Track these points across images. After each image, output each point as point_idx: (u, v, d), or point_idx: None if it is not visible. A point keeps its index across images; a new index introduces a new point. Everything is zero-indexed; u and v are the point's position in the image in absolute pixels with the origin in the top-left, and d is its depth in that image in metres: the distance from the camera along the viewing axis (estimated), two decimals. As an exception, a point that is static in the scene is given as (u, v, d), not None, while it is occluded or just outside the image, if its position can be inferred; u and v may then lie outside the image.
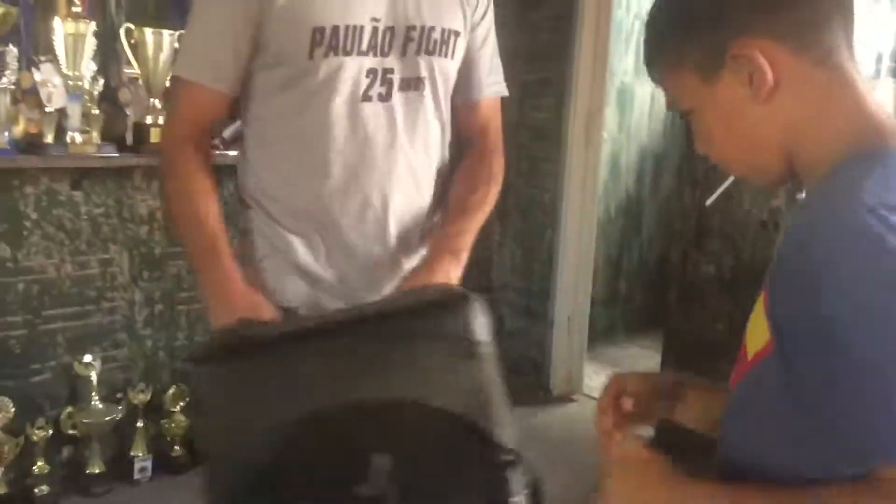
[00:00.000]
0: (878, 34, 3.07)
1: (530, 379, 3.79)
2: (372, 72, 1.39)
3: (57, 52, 2.28)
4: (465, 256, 1.46)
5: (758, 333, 0.82)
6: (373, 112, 1.41)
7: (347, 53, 1.36)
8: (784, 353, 0.77)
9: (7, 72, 2.15)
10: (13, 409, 2.44)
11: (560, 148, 3.63)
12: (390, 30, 1.39)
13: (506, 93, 1.61)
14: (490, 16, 1.55)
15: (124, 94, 2.52)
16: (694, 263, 3.05)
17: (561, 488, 2.52)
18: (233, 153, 2.62)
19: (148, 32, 2.43)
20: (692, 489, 0.85)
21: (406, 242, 1.49)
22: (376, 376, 1.05)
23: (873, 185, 0.75)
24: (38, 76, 2.30)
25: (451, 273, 1.42)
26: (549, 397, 3.72)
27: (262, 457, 1.03)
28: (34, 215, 2.48)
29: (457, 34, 1.47)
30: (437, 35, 1.43)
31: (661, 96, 3.65)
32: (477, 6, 1.52)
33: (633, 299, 4.64)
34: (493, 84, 1.58)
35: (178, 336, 2.82)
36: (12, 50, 2.16)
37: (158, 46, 2.43)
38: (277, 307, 1.38)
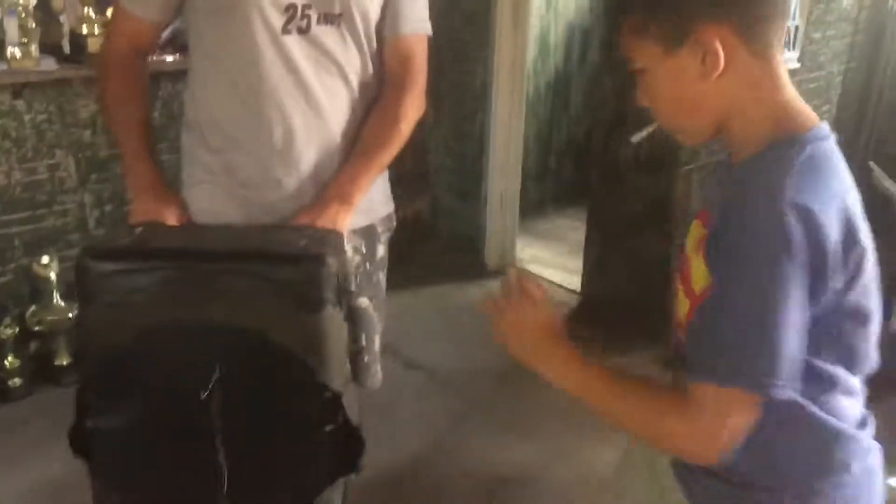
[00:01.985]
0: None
1: (466, 255, 4.04)
2: (291, 7, 1.47)
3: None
4: (357, 199, 1.53)
5: (700, 275, 1.01)
6: (295, 44, 1.49)
7: None
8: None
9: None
10: (-21, 311, 2.60)
11: (489, 32, 3.74)
12: None
13: (429, 32, 1.66)
14: None
15: (57, 3, 2.54)
16: (615, 146, 3.26)
17: (494, 356, 2.80)
18: (169, 58, 2.72)
19: (76, -61, 2.44)
20: (572, 366, 1.07)
21: (319, 172, 1.57)
22: (227, 305, 1.27)
23: (792, 182, 0.93)
24: (-30, -11, 2.33)
25: (339, 219, 1.50)
26: (485, 271, 3.98)
27: (125, 354, 1.28)
28: (-21, 127, 2.56)
29: None
30: None
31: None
32: None
33: (562, 174, 4.86)
34: (415, 21, 1.62)
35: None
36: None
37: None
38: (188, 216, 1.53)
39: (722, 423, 0.94)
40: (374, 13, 1.57)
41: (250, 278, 1.27)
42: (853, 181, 1.03)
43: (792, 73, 3.50)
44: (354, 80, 1.57)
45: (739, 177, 1.02)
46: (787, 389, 0.93)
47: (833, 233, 0.93)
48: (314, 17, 1.50)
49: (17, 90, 2.58)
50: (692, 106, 1.04)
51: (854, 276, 0.97)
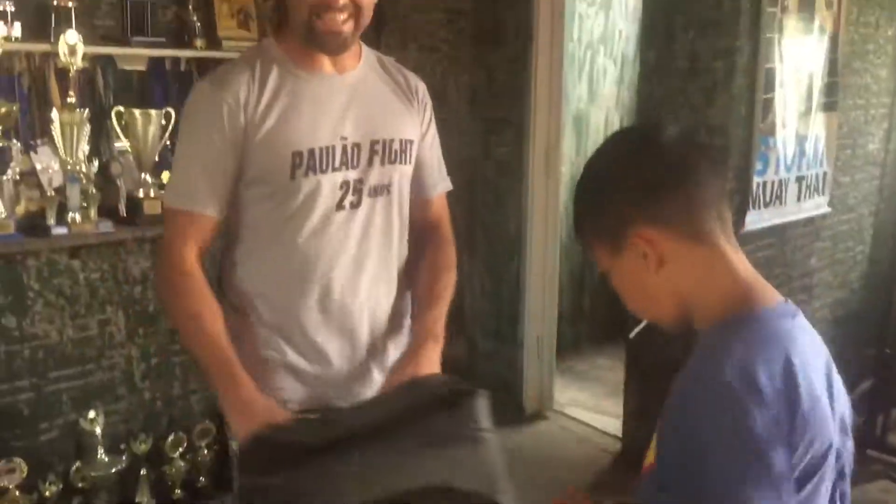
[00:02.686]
0: (809, 68, 3.32)
1: (503, 398, 4.01)
2: (345, 184, 1.58)
3: (55, 140, 2.44)
4: (442, 340, 1.63)
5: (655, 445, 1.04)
6: (345, 218, 1.59)
7: (324, 172, 1.55)
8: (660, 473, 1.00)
9: (11, 164, 2.32)
10: (26, 469, 2.61)
11: (522, 181, 3.86)
12: (357, 146, 1.59)
13: (451, 187, 1.82)
14: (433, 119, 1.76)
15: (116, 168, 2.69)
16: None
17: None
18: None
19: (137, 113, 2.60)
20: None
21: (380, 330, 1.67)
22: (408, 470, 1.29)
23: (737, 348, 0.98)
24: (35, 159, 2.47)
25: (434, 359, 1.59)
26: (522, 416, 3.95)
27: None
28: (36, 286, 2.65)
29: (411, 142, 1.68)
30: (396, 146, 1.64)
31: (613, 120, 3.92)
32: (424, 113, 1.73)
33: (597, 313, 4.88)
34: (441, 181, 1.80)
35: (173, 385, 3.01)
36: (16, 144, 2.34)
37: (146, 124, 2.61)
38: (284, 408, 1.51)
39: None
40: (409, 180, 1.70)
41: (420, 437, 1.32)
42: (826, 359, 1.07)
43: (822, 217, 3.61)
44: (396, 243, 1.68)
45: (694, 350, 1.06)
46: None
47: (779, 396, 0.95)
48: (365, 191, 1.60)
49: (74, 251, 2.69)
50: (650, 297, 1.10)
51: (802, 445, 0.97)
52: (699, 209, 1.05)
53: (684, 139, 1.09)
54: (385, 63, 1.72)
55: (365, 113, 1.60)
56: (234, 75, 1.54)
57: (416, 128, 1.70)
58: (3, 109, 2.26)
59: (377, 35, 3.45)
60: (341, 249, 1.60)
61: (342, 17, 1.51)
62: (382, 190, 1.63)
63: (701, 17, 3.00)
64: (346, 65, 1.61)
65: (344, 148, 1.57)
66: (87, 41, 2.53)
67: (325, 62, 1.59)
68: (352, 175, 1.59)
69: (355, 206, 1.60)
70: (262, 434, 1.32)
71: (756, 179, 3.10)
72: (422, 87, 1.74)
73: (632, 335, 1.46)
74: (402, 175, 1.66)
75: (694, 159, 1.07)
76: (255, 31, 2.96)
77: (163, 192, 2.75)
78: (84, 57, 2.50)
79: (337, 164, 1.57)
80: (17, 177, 2.45)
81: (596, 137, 4.72)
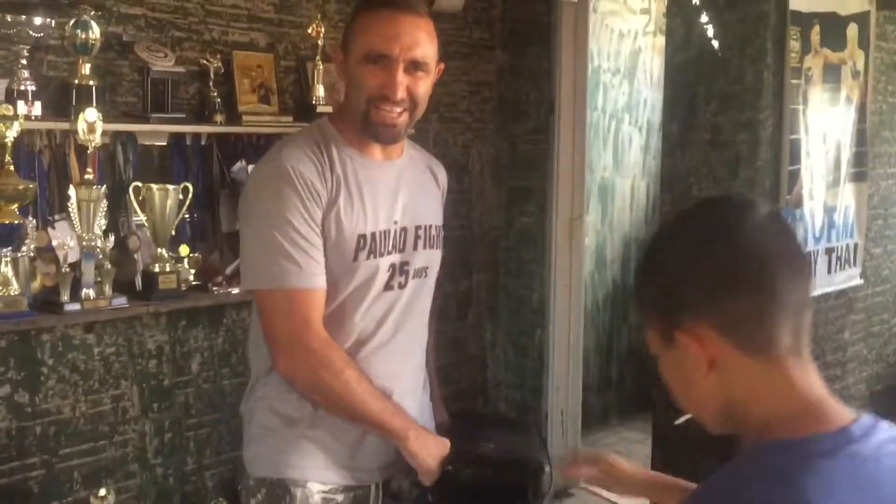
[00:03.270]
0: (836, 138, 3.27)
1: (527, 474, 3.90)
2: (392, 265, 1.63)
3: (71, 216, 2.45)
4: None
5: None
6: (393, 298, 1.64)
7: (381, 255, 1.61)
8: None
9: (27, 240, 2.32)
10: (34, 549, 2.57)
11: (545, 250, 3.81)
12: (404, 230, 1.65)
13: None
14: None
15: (134, 242, 2.69)
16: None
17: None
18: (235, 290, 2.82)
19: (154, 188, 2.61)
20: None
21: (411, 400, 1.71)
22: None
23: (805, 480, 0.85)
24: (53, 234, 2.48)
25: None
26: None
27: None
28: (50, 361, 2.63)
29: (441, 228, 1.75)
30: (434, 232, 1.71)
31: (639, 187, 3.88)
32: (443, 196, 1.83)
33: (625, 384, 4.78)
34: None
35: (187, 461, 2.96)
36: (31, 221, 2.35)
37: (164, 199, 2.61)
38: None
39: None
40: (439, 265, 1.77)
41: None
42: None
43: (855, 289, 3.52)
44: (426, 320, 1.77)
45: (741, 462, 0.94)
46: None
47: None
48: (411, 273, 1.67)
49: (89, 325, 2.68)
50: (695, 398, 0.99)
51: None
52: (769, 322, 0.93)
53: (769, 232, 0.96)
54: (418, 151, 1.80)
55: (410, 199, 1.67)
56: (304, 153, 1.55)
57: (441, 214, 1.79)
58: (21, 187, 2.27)
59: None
60: (379, 329, 1.64)
61: (398, 109, 1.57)
62: (422, 272, 1.69)
63: (723, 89, 2.97)
64: (394, 152, 1.68)
65: (395, 232, 1.64)
66: (108, 118, 2.56)
67: (377, 149, 1.65)
68: (399, 258, 1.64)
69: (402, 286, 1.65)
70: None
71: (783, 253, 3.01)
72: (443, 176, 1.83)
73: (677, 422, 1.38)
74: (437, 259, 1.74)
75: (774, 264, 0.94)
76: (276, 105, 2.98)
77: (179, 266, 2.77)
78: (104, 133, 2.53)
79: (390, 247, 1.63)
80: (32, 253, 2.45)
81: (622, 205, 4.68)
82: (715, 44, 2.98)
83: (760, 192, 2.94)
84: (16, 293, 2.33)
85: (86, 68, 2.49)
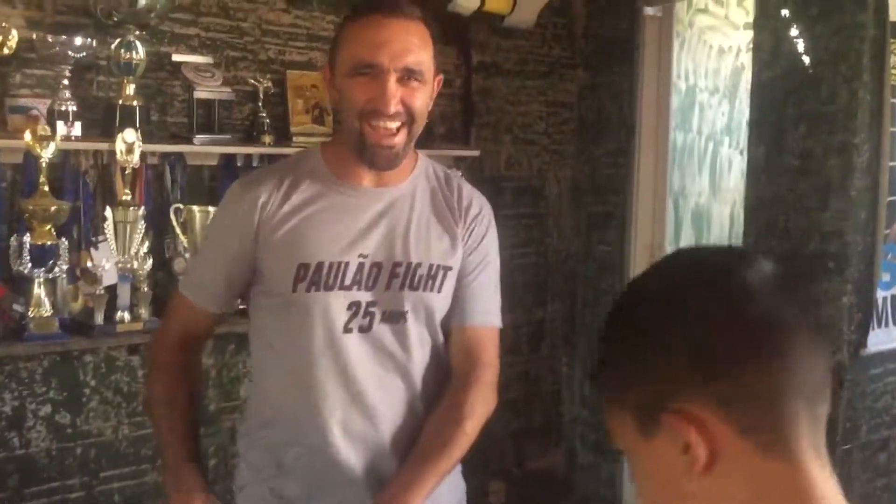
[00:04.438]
0: None
1: (602, 517, 3.67)
2: (354, 304, 1.44)
3: (108, 237, 2.44)
4: None
5: None
6: (354, 343, 1.44)
7: (329, 289, 1.42)
8: None
9: (59, 261, 2.31)
10: (69, 572, 2.55)
11: (624, 280, 3.57)
12: (377, 265, 1.45)
13: (498, 324, 1.57)
14: (488, 243, 1.55)
15: (179, 264, 2.65)
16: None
17: None
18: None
19: (195, 209, 2.57)
20: None
21: (369, 478, 1.48)
22: None
23: None
24: (95, 256, 2.47)
25: None
26: (620, 539, 3.58)
27: None
28: (93, 382, 2.62)
29: (447, 269, 1.49)
30: (422, 271, 1.47)
31: (739, 215, 3.52)
32: (473, 231, 1.53)
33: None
34: (483, 313, 1.54)
35: (231, 488, 2.89)
36: (64, 242, 2.34)
37: (204, 220, 2.57)
38: None
39: None
40: (443, 309, 1.51)
41: None
42: None
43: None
44: (416, 376, 1.50)
45: None
46: None
47: None
48: (378, 316, 1.45)
49: (133, 347, 2.66)
50: None
51: None
52: (779, 402, 0.71)
53: (781, 293, 0.74)
54: (442, 179, 1.55)
55: (396, 233, 1.47)
56: (260, 179, 1.50)
57: (456, 253, 1.51)
58: (54, 208, 2.26)
59: (465, 128, 3.33)
60: (339, 380, 1.45)
61: (393, 125, 1.40)
62: (399, 317, 1.46)
63: (814, 109, 2.68)
64: (389, 179, 1.49)
65: (360, 266, 1.44)
66: (156, 138, 2.54)
67: (366, 175, 1.47)
68: (365, 297, 1.44)
69: (365, 330, 1.45)
70: None
71: (881, 293, 2.70)
72: (475, 210, 1.54)
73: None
74: (426, 304, 1.47)
75: (787, 331, 0.72)
76: (330, 126, 2.90)
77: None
78: (153, 154, 2.51)
79: (347, 282, 1.43)
80: (77, 274, 2.45)
81: (720, 234, 4.35)
82: (806, 59, 2.69)
83: (854, 225, 2.63)
84: (47, 314, 2.32)
85: (130, 88, 2.47)
